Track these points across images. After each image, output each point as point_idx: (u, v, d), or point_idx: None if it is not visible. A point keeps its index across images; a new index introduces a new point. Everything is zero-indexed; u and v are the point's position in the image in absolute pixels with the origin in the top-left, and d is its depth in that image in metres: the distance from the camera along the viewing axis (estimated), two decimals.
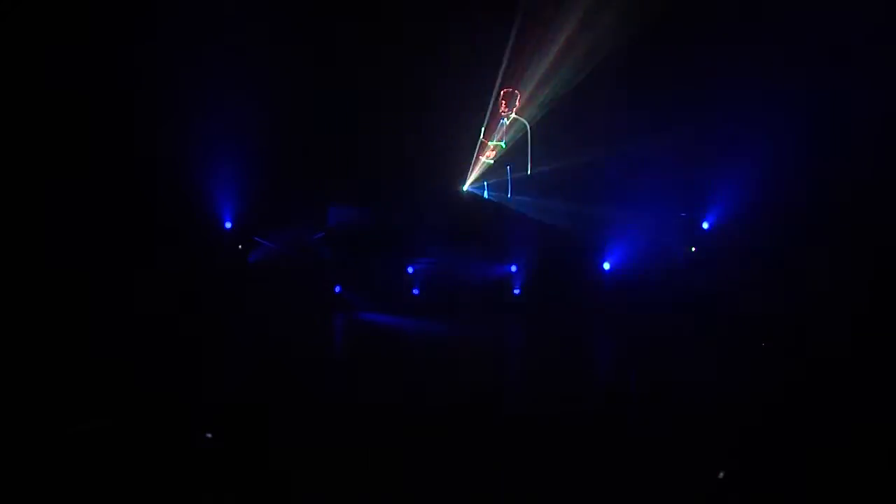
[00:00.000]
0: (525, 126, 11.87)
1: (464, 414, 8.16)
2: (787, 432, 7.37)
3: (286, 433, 7.52)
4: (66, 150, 10.49)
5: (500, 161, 12.14)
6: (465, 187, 12.27)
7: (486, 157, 12.12)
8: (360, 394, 8.96)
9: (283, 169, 11.69)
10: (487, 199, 12.24)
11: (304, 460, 7.05)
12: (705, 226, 11.93)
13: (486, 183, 12.27)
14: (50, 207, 10.32)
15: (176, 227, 11.17)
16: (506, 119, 11.91)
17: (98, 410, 7.70)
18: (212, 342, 10.28)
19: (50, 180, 10.33)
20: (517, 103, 11.82)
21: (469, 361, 10.31)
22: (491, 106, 11.88)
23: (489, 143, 12.05)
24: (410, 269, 12.35)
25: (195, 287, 10.96)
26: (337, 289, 12.29)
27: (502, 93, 11.76)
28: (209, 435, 7.53)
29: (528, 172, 11.87)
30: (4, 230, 10.01)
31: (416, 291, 12.35)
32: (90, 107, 10.55)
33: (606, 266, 12.21)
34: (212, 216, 11.72)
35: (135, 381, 8.57)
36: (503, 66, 11.70)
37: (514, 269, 12.34)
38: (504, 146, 12.05)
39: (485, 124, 11.97)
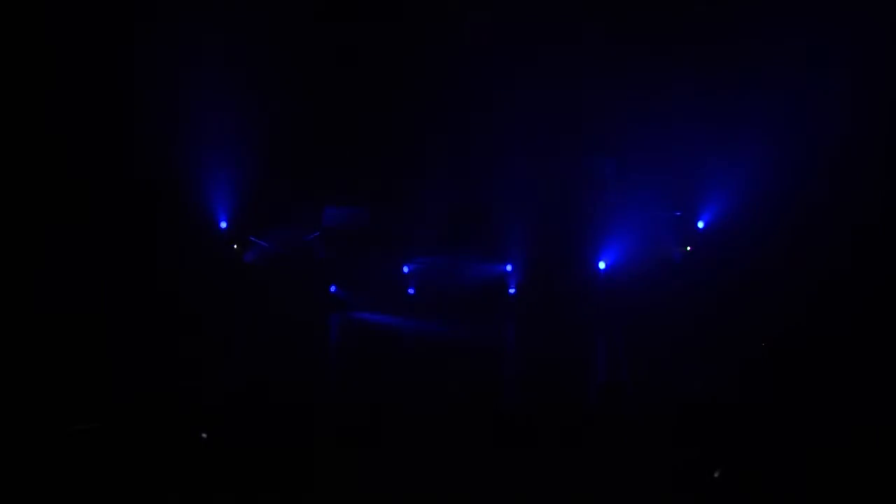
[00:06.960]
0: None
1: (459, 414, 8.15)
2: (786, 432, 7.37)
3: (284, 434, 7.50)
4: (64, 149, 10.46)
5: None
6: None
7: None
8: (356, 394, 8.95)
9: (278, 169, 11.67)
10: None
11: (302, 461, 7.03)
12: (700, 225, 11.91)
13: None
14: (47, 208, 10.30)
15: (171, 226, 11.14)
16: None
17: (93, 411, 7.68)
18: (207, 343, 10.26)
19: (46, 180, 10.31)
20: None
21: (465, 361, 10.31)
22: None
23: None
24: (406, 269, 12.32)
25: (190, 286, 10.93)
26: (332, 289, 12.27)
27: None
28: (204, 436, 7.51)
29: None
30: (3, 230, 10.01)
31: (411, 291, 12.32)
32: (88, 106, 10.53)
33: (602, 265, 12.18)
34: (207, 216, 11.69)
35: (131, 382, 8.55)
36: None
37: (509, 268, 12.29)
38: None
39: None
